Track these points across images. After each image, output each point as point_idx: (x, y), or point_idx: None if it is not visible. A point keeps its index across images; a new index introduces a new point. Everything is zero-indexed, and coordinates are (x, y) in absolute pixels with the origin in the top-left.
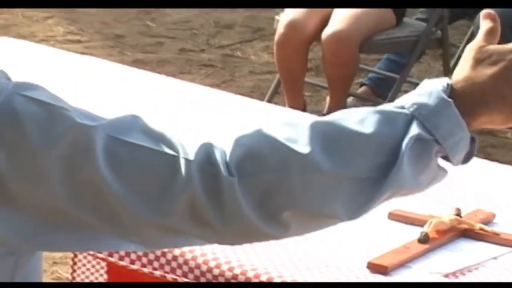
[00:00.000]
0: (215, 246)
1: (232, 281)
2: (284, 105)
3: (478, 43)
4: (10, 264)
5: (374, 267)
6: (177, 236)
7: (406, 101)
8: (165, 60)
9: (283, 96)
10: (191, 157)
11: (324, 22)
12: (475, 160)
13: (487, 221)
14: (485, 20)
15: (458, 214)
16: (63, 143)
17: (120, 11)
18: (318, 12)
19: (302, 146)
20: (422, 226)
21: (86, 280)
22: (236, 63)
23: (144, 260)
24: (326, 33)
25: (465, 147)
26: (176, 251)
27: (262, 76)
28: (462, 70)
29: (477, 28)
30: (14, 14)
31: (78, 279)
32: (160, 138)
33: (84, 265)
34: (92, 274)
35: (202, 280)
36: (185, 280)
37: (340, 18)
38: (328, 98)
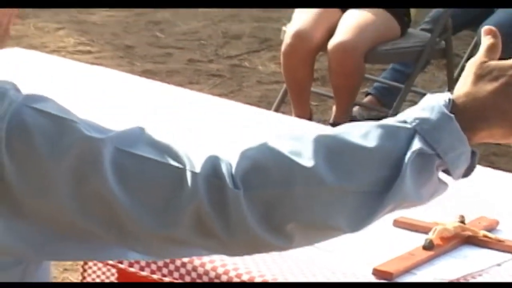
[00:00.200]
0: None
1: None
2: (291, 114)
3: (479, 59)
4: (17, 273)
5: (379, 274)
6: (182, 247)
7: (408, 116)
8: (174, 71)
9: (290, 105)
10: (197, 169)
11: (330, 33)
12: (478, 168)
13: (491, 228)
14: (486, 36)
15: (462, 221)
16: (71, 155)
17: (130, 22)
18: (324, 23)
19: (306, 159)
20: (426, 233)
21: None
22: (243, 73)
23: (153, 266)
24: (332, 43)
25: (465, 161)
26: (185, 258)
27: (269, 86)
28: (464, 86)
29: (480, 38)
30: (26, 25)
31: None
32: (167, 151)
33: (94, 272)
34: (102, 281)
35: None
36: None
37: (346, 29)
38: (334, 108)
